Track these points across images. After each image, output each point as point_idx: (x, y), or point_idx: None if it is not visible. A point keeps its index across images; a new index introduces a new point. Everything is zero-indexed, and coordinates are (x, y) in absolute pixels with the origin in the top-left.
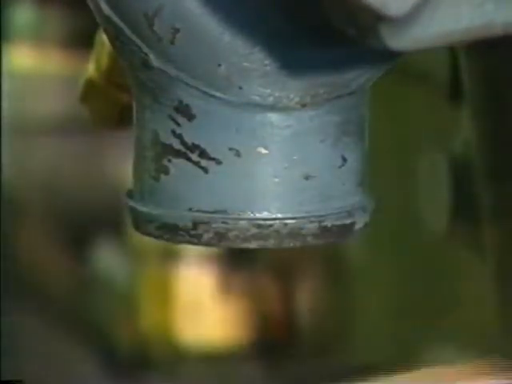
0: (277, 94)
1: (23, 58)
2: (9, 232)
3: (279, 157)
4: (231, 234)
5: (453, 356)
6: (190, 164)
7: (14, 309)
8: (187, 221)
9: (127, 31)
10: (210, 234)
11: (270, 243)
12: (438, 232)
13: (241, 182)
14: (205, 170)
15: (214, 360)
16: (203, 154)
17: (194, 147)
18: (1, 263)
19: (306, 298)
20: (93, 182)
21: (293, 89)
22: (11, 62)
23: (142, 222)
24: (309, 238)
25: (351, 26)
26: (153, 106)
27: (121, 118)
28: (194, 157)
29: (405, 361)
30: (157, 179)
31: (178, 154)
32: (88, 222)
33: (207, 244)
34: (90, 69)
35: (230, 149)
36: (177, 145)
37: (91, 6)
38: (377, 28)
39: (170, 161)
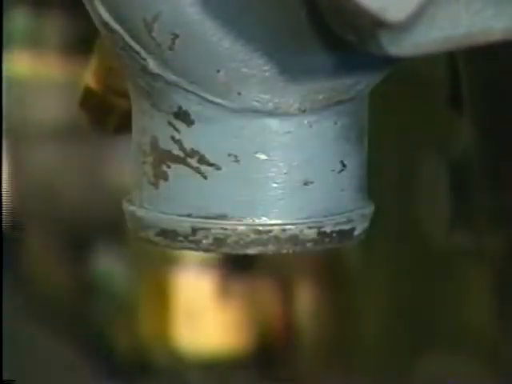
0: (276, 100)
1: (22, 64)
2: (10, 238)
3: (278, 162)
4: (230, 240)
5: (452, 361)
6: (189, 170)
7: (14, 314)
8: (186, 227)
9: (126, 37)
10: (209, 240)
11: (270, 249)
12: (438, 238)
13: (240, 188)
14: (204, 175)
15: (212, 366)
16: (202, 159)
17: (193, 153)
18: (2, 268)
19: (306, 303)
20: (93, 187)
21: (292, 94)
22: (10, 68)
23: (140, 228)
24: (308, 244)
25: (351, 31)
26: (152, 111)
27: (120, 124)
28: (193, 162)
29: (404, 367)
30: (156, 185)
31: (177, 159)
32: (88, 228)
33: (206, 250)
34: (89, 75)
35: (229, 154)
36: (176, 150)
37: (90, 12)
38: (376, 34)
39: (169, 166)
